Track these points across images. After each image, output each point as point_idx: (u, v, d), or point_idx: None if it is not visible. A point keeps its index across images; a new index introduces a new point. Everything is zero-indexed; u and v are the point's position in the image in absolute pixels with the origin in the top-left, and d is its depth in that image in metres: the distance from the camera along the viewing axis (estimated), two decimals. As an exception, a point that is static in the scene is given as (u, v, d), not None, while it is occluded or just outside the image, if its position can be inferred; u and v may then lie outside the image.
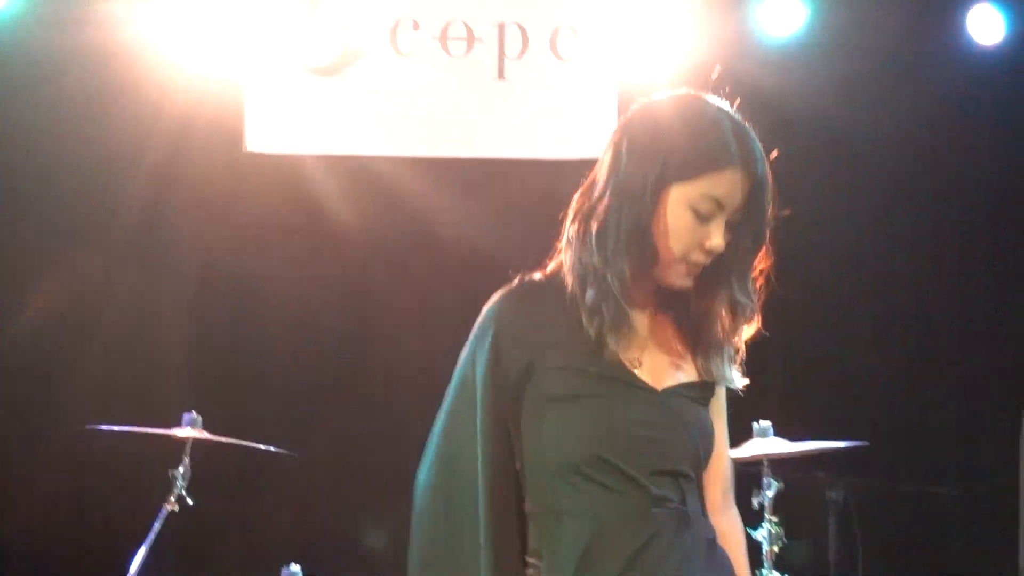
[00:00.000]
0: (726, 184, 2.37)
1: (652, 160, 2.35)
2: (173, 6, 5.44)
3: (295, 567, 4.21)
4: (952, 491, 5.32)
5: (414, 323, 5.54)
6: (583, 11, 5.66)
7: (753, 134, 2.43)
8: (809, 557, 4.95)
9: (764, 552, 4.42)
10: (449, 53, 5.63)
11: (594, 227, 2.37)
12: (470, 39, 5.63)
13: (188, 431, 4.40)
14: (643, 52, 5.66)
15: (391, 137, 5.61)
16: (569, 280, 2.39)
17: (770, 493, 4.45)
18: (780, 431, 4.50)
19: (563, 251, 2.44)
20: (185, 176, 5.50)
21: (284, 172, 5.54)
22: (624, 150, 2.39)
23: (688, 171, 2.35)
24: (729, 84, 5.76)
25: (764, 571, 4.40)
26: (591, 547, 2.32)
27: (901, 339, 5.87)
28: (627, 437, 2.33)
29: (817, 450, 4.50)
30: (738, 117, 2.45)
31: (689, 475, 2.37)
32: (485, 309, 2.45)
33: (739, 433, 4.47)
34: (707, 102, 2.46)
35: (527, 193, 5.61)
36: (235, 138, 5.50)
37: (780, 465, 4.51)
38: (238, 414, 5.17)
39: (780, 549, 4.44)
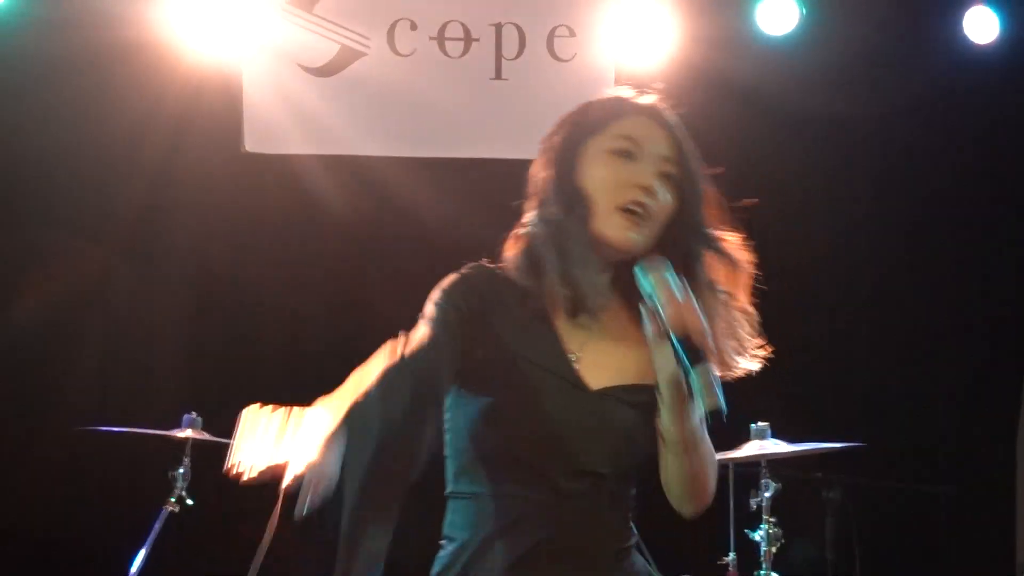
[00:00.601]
0: (637, 126, 2.43)
1: (568, 128, 2.46)
2: (171, 6, 5.45)
3: (297, 570, 4.21)
4: (949, 491, 5.34)
5: (411, 323, 5.54)
6: (580, 12, 5.68)
7: (673, 112, 2.50)
8: (809, 555, 4.97)
9: (762, 553, 4.45)
10: (446, 53, 5.64)
11: (536, 202, 2.49)
12: (467, 39, 5.65)
13: (188, 432, 4.41)
14: (639, 52, 5.69)
15: (388, 137, 5.62)
16: (520, 261, 2.45)
17: (768, 494, 4.48)
18: (778, 432, 4.52)
19: (515, 241, 2.52)
20: (183, 176, 5.50)
21: (282, 172, 5.54)
22: (550, 138, 2.51)
23: (598, 124, 2.43)
24: (724, 82, 5.84)
25: (763, 572, 4.43)
26: (493, 535, 2.33)
27: (898, 340, 5.88)
28: (546, 437, 2.32)
29: (815, 451, 4.53)
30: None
31: (608, 476, 2.34)
32: (434, 291, 2.52)
33: (737, 435, 4.52)
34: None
35: (524, 193, 5.61)
36: (233, 138, 5.51)
37: (778, 466, 4.54)
38: (238, 415, 5.15)
39: (777, 550, 4.46)
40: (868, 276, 5.90)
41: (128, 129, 5.44)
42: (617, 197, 2.36)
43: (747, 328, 2.48)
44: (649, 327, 2.25)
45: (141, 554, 4.25)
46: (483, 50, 5.66)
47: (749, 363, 2.48)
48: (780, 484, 4.49)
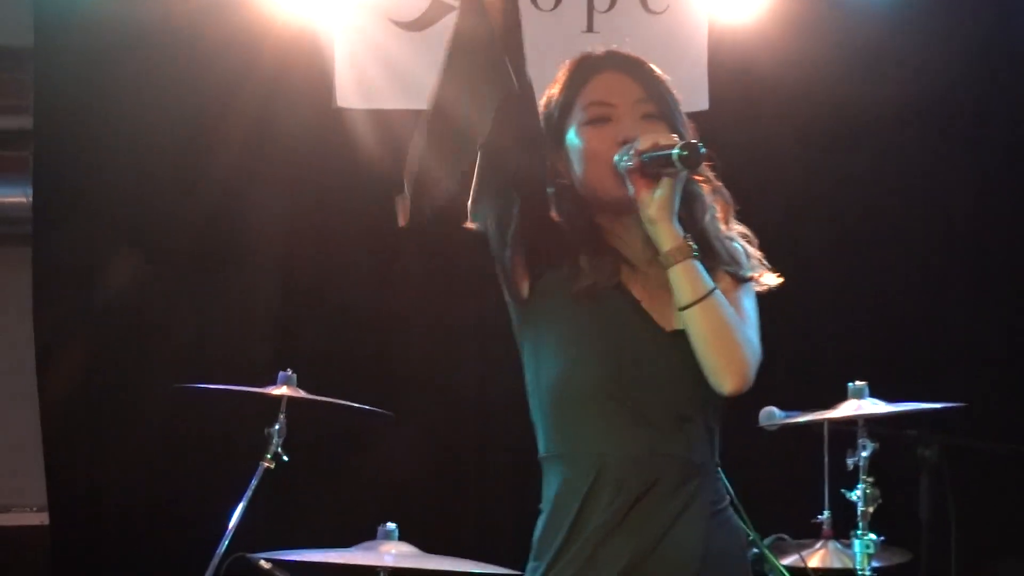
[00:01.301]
0: (602, 85, 2.48)
1: (545, 122, 2.51)
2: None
3: (391, 525, 4.26)
4: (1049, 451, 5.27)
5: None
6: (674, -39, 5.62)
7: (627, 52, 2.57)
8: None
9: (859, 513, 4.42)
10: (538, 7, 5.60)
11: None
12: (560, -9, 5.62)
13: (283, 389, 4.45)
14: (734, 3, 5.61)
15: (480, 91, 5.60)
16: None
17: (865, 454, 4.45)
18: (875, 391, 4.49)
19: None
20: (275, 132, 5.52)
21: (374, 127, 5.55)
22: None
23: (567, 104, 2.49)
24: (823, 35, 5.75)
25: (859, 532, 4.41)
26: (592, 491, 2.35)
27: (998, 297, 5.81)
28: (638, 374, 2.35)
29: (913, 411, 4.48)
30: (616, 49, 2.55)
31: (695, 420, 2.38)
32: None
33: (834, 393, 4.49)
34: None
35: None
36: (325, 94, 5.52)
37: (875, 425, 4.50)
38: (332, 373, 5.21)
39: (875, 510, 4.44)
40: (968, 236, 5.80)
41: (221, 87, 5.47)
42: (607, 160, 2.41)
43: (749, 242, 2.60)
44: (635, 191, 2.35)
45: (239, 509, 4.29)
46: (575, 3, 5.62)
47: (765, 275, 2.57)
48: (877, 444, 4.45)
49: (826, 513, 4.62)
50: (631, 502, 2.33)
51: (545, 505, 2.46)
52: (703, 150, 2.31)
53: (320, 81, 5.51)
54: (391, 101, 5.57)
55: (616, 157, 2.39)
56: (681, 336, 2.37)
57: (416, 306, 5.57)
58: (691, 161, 2.31)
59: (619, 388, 2.35)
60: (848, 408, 4.41)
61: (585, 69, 2.52)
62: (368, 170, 5.48)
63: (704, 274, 2.36)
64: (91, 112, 5.46)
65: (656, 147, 2.33)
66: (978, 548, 5.44)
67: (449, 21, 5.51)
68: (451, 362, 5.54)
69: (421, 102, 5.55)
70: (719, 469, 2.49)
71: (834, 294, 5.69)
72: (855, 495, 4.42)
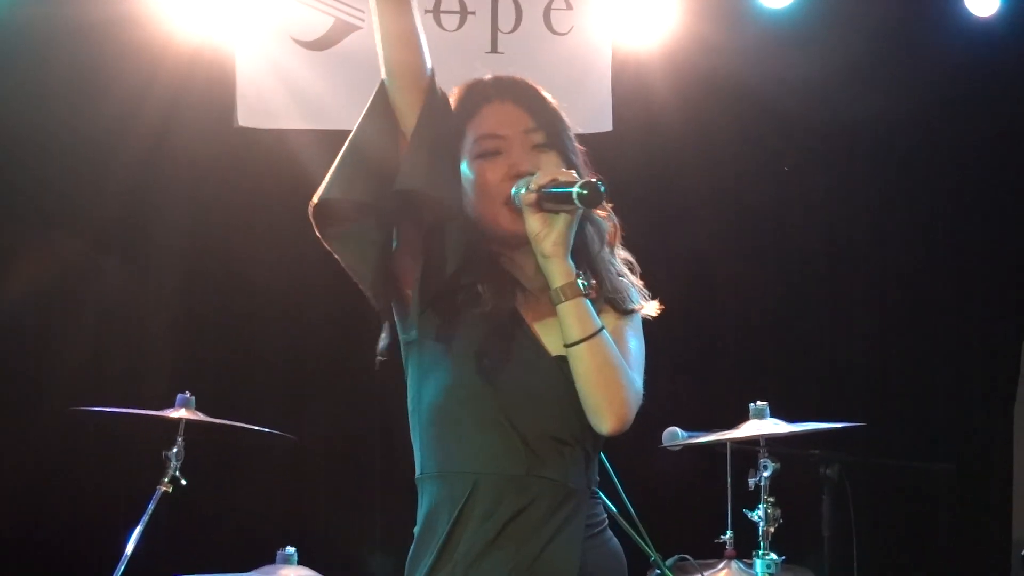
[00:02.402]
0: (490, 117, 2.45)
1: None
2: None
3: (290, 549, 4.20)
4: (946, 468, 5.33)
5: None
6: (576, -16, 5.62)
7: (515, 78, 2.52)
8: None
9: (761, 532, 4.42)
10: (442, 27, 5.57)
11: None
12: (463, 12, 5.58)
13: (181, 412, 4.38)
14: (636, 24, 5.62)
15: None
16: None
17: (766, 473, 4.44)
18: (776, 412, 4.49)
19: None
20: (175, 151, 5.44)
21: (275, 147, 5.50)
22: None
23: (459, 136, 2.44)
24: (721, 55, 5.80)
25: (761, 552, 4.41)
26: (466, 509, 2.33)
27: (896, 321, 5.88)
28: (519, 397, 2.34)
29: (813, 431, 4.49)
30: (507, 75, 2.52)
31: (571, 445, 2.37)
32: None
33: (736, 414, 4.49)
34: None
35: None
36: (226, 113, 5.45)
37: (777, 445, 4.51)
38: (232, 395, 5.17)
39: (776, 529, 4.44)
40: (867, 257, 5.88)
41: (121, 104, 5.37)
42: (499, 194, 2.39)
43: (632, 270, 2.57)
44: (531, 223, 2.32)
45: (136, 534, 4.21)
46: (479, 23, 5.59)
47: (646, 304, 2.57)
48: (778, 463, 4.45)
49: (729, 533, 4.60)
50: (504, 522, 2.32)
51: (418, 526, 2.44)
52: (603, 189, 2.27)
53: (221, 100, 5.43)
54: (294, 121, 5.52)
55: (513, 191, 2.37)
56: (566, 362, 2.36)
57: (318, 328, 5.53)
58: (591, 200, 2.27)
59: (499, 409, 2.33)
60: (750, 428, 4.41)
61: (474, 98, 2.48)
62: (270, 189, 5.44)
63: (592, 313, 2.36)
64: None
65: (555, 183, 2.31)
66: (879, 565, 5.50)
67: (352, 41, 5.56)
68: (354, 386, 5.49)
69: (323, 122, 5.61)
70: (598, 492, 2.48)
71: (736, 316, 5.72)
72: (756, 515, 4.42)
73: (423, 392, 2.41)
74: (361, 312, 5.43)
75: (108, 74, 5.36)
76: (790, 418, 4.48)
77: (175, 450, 4.35)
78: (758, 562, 4.40)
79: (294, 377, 5.50)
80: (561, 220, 2.32)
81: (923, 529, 5.84)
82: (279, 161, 5.46)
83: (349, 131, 5.63)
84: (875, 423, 5.14)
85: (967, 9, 5.76)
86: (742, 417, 4.45)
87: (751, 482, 4.46)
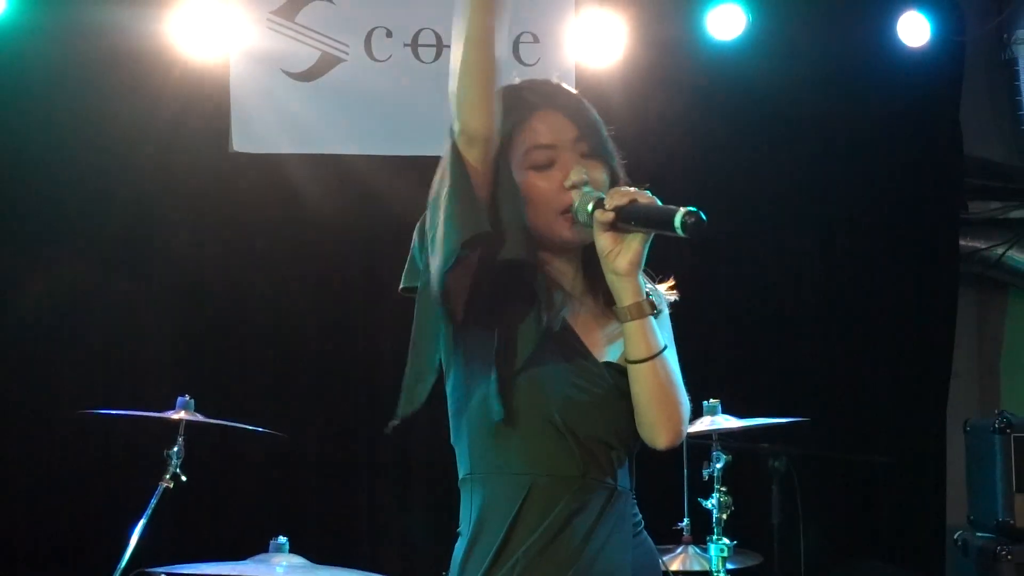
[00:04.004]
0: (543, 128, 2.31)
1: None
2: (163, 17, 5.42)
3: (282, 539, 4.21)
4: (885, 460, 5.37)
5: (390, 307, 5.55)
6: (542, 20, 5.65)
7: (560, 84, 2.41)
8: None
9: (714, 519, 4.46)
10: (420, 59, 5.62)
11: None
12: (439, 46, 5.63)
13: (181, 414, 4.38)
14: (597, 57, 5.68)
15: (366, 137, 5.60)
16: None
17: (719, 465, 4.48)
18: (728, 408, 4.53)
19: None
20: (175, 175, 5.48)
21: (267, 170, 5.53)
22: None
23: (504, 144, 2.26)
24: (676, 83, 5.83)
25: (714, 537, 4.44)
26: (524, 509, 2.22)
27: (837, 324, 5.93)
28: (572, 401, 2.22)
29: (762, 426, 4.54)
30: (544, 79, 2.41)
31: (618, 448, 2.27)
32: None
33: (692, 410, 4.52)
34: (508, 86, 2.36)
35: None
36: (221, 139, 5.48)
37: (728, 439, 4.55)
38: (228, 397, 5.18)
39: (728, 516, 4.48)
40: (810, 263, 5.93)
41: (123, 132, 5.41)
42: (556, 205, 2.28)
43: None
44: (604, 244, 2.21)
45: (139, 526, 4.21)
46: (454, 56, 5.63)
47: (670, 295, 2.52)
48: (730, 456, 4.50)
49: (685, 520, 4.64)
50: (562, 523, 2.22)
51: (466, 527, 2.30)
52: (705, 219, 2.13)
53: (216, 127, 5.47)
54: (284, 146, 5.55)
55: (576, 205, 2.24)
56: (612, 368, 2.28)
57: (307, 336, 5.56)
58: (696, 232, 2.11)
59: (553, 413, 2.22)
60: (703, 424, 4.45)
61: (520, 107, 2.32)
62: (262, 209, 5.48)
63: (658, 331, 2.26)
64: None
65: (636, 205, 2.17)
66: (824, 550, 5.53)
67: (337, 72, 5.59)
68: (343, 388, 5.53)
69: (311, 147, 5.65)
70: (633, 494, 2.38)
71: (691, 320, 5.74)
72: (710, 503, 4.46)
73: (471, 395, 2.28)
74: (349, 319, 5.51)
75: (112, 102, 5.41)
76: (741, 414, 4.52)
77: (176, 449, 4.34)
78: (712, 546, 4.43)
79: (285, 380, 5.52)
80: (637, 240, 2.21)
81: (864, 517, 5.88)
82: (270, 182, 5.50)
83: (337, 155, 5.68)
84: (820, 419, 5.18)
85: (899, 40, 5.83)
86: (696, 414, 4.48)
87: (705, 473, 4.50)
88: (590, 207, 2.23)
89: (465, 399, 2.30)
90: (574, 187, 2.27)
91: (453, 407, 2.35)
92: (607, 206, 2.19)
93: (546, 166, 2.29)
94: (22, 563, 5.25)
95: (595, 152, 2.34)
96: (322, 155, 5.57)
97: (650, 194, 2.23)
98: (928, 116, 6.00)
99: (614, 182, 2.34)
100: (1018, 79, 5.80)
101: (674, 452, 4.66)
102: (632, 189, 2.23)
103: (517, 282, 2.25)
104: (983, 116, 6.18)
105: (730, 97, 5.74)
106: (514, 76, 2.45)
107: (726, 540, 4.43)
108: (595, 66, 5.67)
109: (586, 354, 2.28)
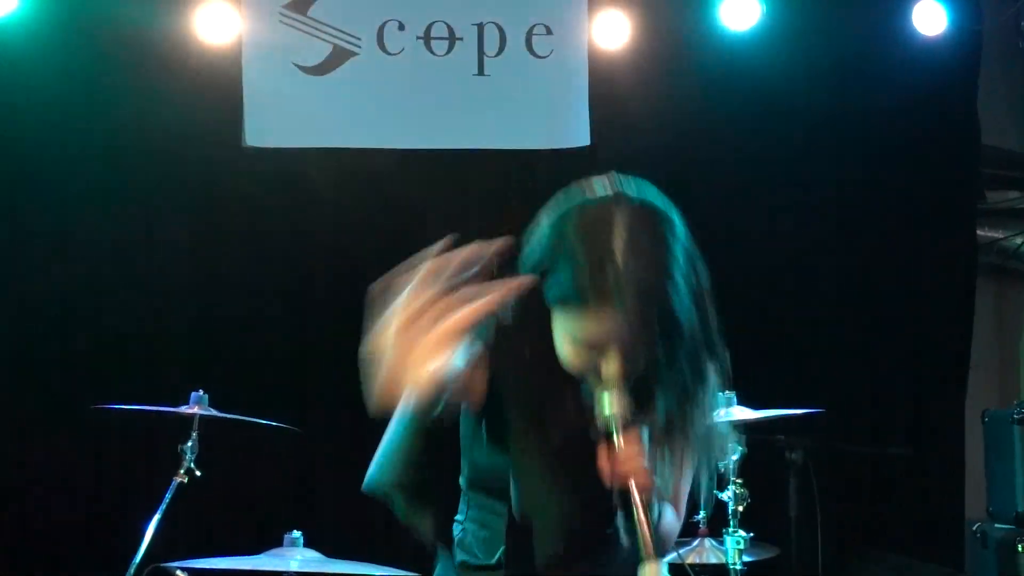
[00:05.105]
0: (596, 324, 2.01)
1: (535, 269, 2.07)
2: (177, 12, 5.40)
3: (296, 533, 4.18)
4: (903, 452, 5.32)
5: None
6: (556, 11, 5.62)
7: (640, 265, 2.00)
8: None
9: (730, 512, 4.40)
10: (432, 52, 5.58)
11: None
12: (452, 38, 5.59)
13: (195, 409, 4.36)
14: (610, 49, 5.63)
15: (379, 131, 5.57)
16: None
17: (735, 457, 4.42)
18: (744, 400, 4.47)
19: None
20: (188, 168, 5.45)
21: (280, 164, 5.51)
22: (530, 246, 2.11)
23: (564, 305, 2.04)
24: (690, 75, 5.79)
25: (730, 530, 4.39)
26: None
27: (855, 314, 5.88)
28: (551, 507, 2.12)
29: (778, 417, 4.48)
30: (631, 262, 1.99)
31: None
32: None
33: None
34: (613, 232, 2.01)
35: (504, 179, 5.62)
36: (234, 133, 5.45)
37: (744, 431, 4.49)
38: (241, 393, 5.15)
39: (744, 509, 4.42)
40: (827, 254, 5.87)
41: (137, 126, 5.40)
42: (581, 371, 2.07)
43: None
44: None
45: (154, 521, 4.19)
46: (466, 48, 5.60)
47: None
48: (746, 448, 4.43)
49: (702, 513, 4.59)
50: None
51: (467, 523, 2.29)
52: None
53: (230, 121, 5.44)
54: (297, 140, 5.53)
55: (602, 403, 2.02)
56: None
57: (320, 331, 5.53)
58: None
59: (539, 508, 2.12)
60: (719, 416, 4.38)
61: (596, 299, 1.99)
62: (275, 202, 5.46)
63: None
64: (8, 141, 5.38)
65: (632, 505, 1.96)
66: (842, 542, 5.49)
67: (349, 66, 5.55)
68: (353, 383, 5.47)
69: (324, 140, 5.61)
70: None
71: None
72: (726, 496, 4.40)
73: (483, 447, 2.19)
74: (359, 315, 5.46)
75: (129, 96, 5.40)
76: (756, 406, 4.46)
77: (190, 444, 4.33)
78: (728, 539, 4.38)
79: (300, 375, 5.51)
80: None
81: (882, 509, 5.83)
82: (284, 176, 5.47)
83: (349, 149, 5.64)
84: (837, 411, 5.14)
85: (915, 29, 5.76)
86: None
87: (720, 466, 4.44)
88: (609, 422, 2.01)
89: (474, 449, 2.24)
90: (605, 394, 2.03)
91: (465, 430, 2.27)
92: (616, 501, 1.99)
93: (588, 348, 2.04)
94: (38, 558, 5.24)
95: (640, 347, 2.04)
96: (334, 149, 5.54)
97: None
98: (945, 106, 5.93)
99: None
100: (1035, 68, 5.75)
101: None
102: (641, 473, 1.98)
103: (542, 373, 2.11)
104: (1000, 106, 6.11)
105: (744, 87, 5.69)
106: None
107: (742, 532, 4.38)
108: (608, 56, 5.61)
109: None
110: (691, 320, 2.05)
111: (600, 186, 2.11)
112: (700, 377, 2.11)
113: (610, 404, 2.02)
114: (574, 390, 2.10)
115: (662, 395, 2.08)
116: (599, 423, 2.03)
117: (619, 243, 1.99)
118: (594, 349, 2.02)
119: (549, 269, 2.04)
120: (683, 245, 2.08)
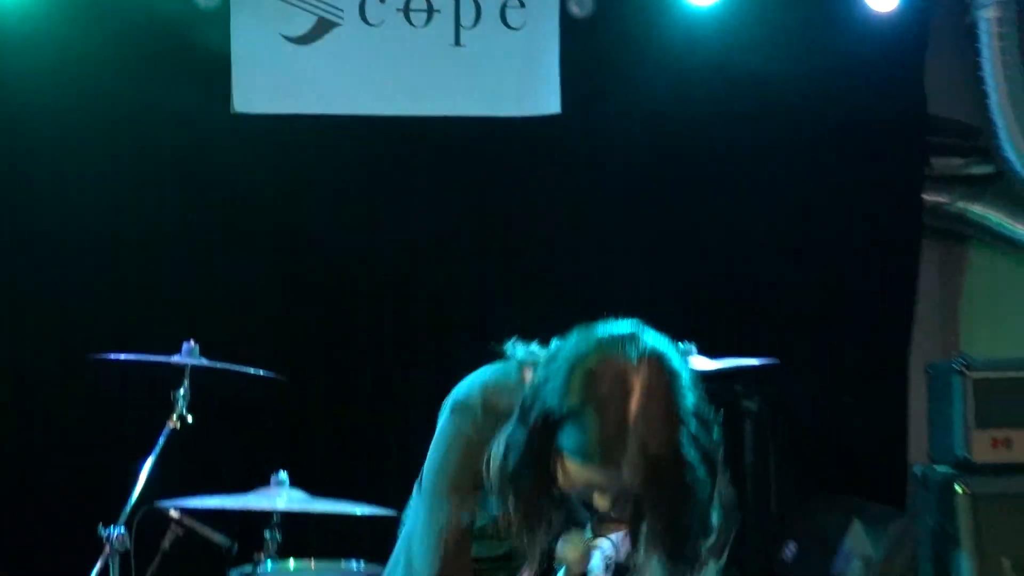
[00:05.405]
0: (604, 479, 2.02)
1: (552, 415, 2.04)
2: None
3: (283, 473, 4.24)
4: (852, 400, 5.40)
5: (385, 253, 5.60)
6: (529, -15, 5.67)
7: (655, 444, 1.99)
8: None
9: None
10: (411, 23, 5.63)
11: (503, 445, 2.11)
12: (430, 10, 5.63)
13: (187, 358, 4.41)
14: (578, 23, 5.67)
15: (361, 98, 5.61)
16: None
17: (694, 405, 4.48)
18: (703, 350, 4.53)
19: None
20: (179, 133, 5.47)
21: (268, 130, 5.54)
22: (548, 384, 2.07)
23: (574, 456, 2.02)
24: (654, 49, 5.85)
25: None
26: None
27: (808, 272, 5.94)
28: None
29: (735, 368, 4.54)
30: (645, 432, 1.99)
31: None
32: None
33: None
34: (632, 401, 2.00)
35: (477, 145, 5.68)
36: (223, 100, 5.49)
37: (703, 380, 4.54)
38: (230, 343, 5.21)
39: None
40: (783, 216, 5.94)
41: (131, 86, 5.42)
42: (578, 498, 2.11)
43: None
44: None
45: (148, 463, 4.24)
46: (444, 20, 5.64)
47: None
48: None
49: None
50: None
51: None
52: None
53: (219, 89, 5.47)
54: (285, 106, 5.56)
55: (565, 545, 2.10)
56: None
57: (309, 282, 5.60)
58: None
59: None
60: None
61: (607, 459, 1.99)
62: (262, 164, 5.50)
63: None
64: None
65: None
66: (794, 483, 5.59)
67: (332, 37, 5.58)
68: (341, 333, 5.57)
69: (309, 107, 5.65)
70: None
71: (666, 265, 5.79)
72: (686, 439, 4.46)
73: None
74: (347, 271, 5.53)
75: (121, 61, 5.43)
76: (715, 356, 4.53)
77: (182, 391, 4.36)
78: (687, 479, 4.44)
79: (285, 324, 5.56)
80: None
81: (832, 454, 5.92)
82: (271, 141, 5.51)
83: (336, 115, 5.64)
84: (790, 362, 5.23)
85: (867, 5, 5.81)
86: (672, 355, 4.49)
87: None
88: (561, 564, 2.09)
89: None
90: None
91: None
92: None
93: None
94: (39, 497, 5.30)
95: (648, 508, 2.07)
96: (318, 115, 5.58)
97: None
98: (894, 78, 5.99)
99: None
100: (979, 43, 5.78)
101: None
102: None
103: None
104: (947, 78, 6.17)
105: (704, 59, 5.74)
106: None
107: (700, 474, 4.44)
108: (576, 33, 5.65)
109: None
110: (700, 488, 2.05)
111: (621, 336, 2.09)
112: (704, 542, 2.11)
113: (571, 549, 2.09)
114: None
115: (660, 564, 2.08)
116: (555, 562, 2.09)
117: (635, 409, 1.98)
118: (590, 488, 2.05)
119: (566, 419, 2.02)
120: (696, 409, 2.11)
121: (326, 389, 5.53)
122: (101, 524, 3.88)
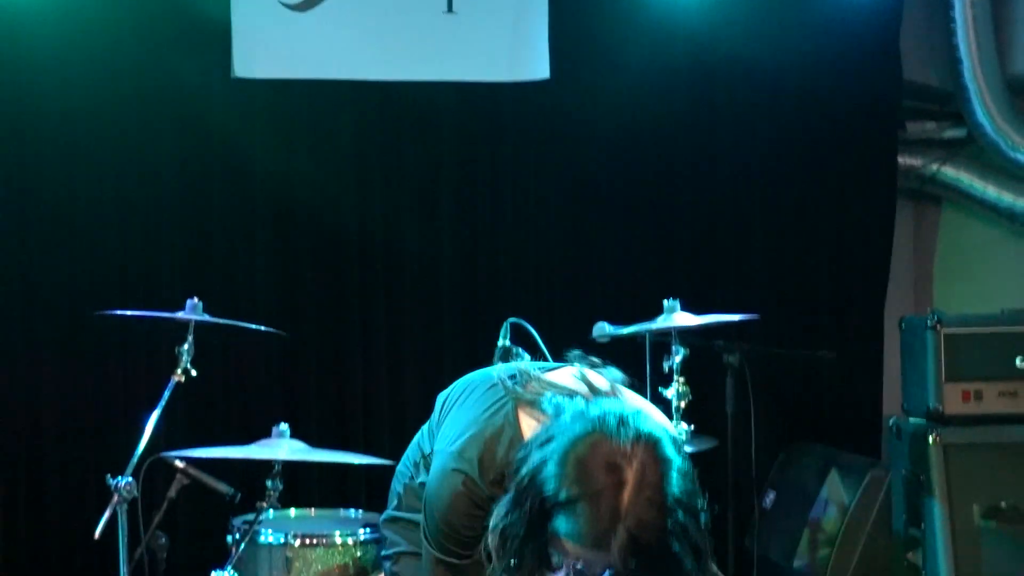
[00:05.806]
0: (595, 558, 2.01)
1: (547, 502, 2.01)
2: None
3: (284, 425, 4.21)
4: (828, 354, 5.37)
5: (381, 209, 5.54)
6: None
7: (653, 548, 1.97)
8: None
9: (674, 407, 4.46)
10: (410, -13, 5.55)
11: (496, 521, 2.10)
12: (429, -26, 5.55)
13: (191, 314, 4.36)
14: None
15: (358, 64, 5.54)
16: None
17: (678, 358, 4.47)
18: (686, 306, 4.52)
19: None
20: (179, 97, 5.38)
21: (267, 94, 5.46)
22: (543, 470, 2.03)
23: (568, 538, 2.01)
24: (640, 14, 5.76)
25: (674, 423, 4.45)
26: None
27: (787, 232, 5.94)
28: None
29: (717, 323, 4.53)
30: (644, 532, 1.96)
31: None
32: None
33: (652, 309, 4.51)
34: (625, 493, 1.97)
35: (471, 108, 5.61)
36: (224, 66, 5.40)
37: (687, 335, 4.53)
38: (233, 299, 5.19)
39: (686, 405, 4.48)
40: (764, 176, 5.92)
41: (133, 52, 5.34)
42: None
43: None
44: None
45: (154, 416, 4.20)
46: (437, -13, 5.58)
47: None
48: (687, 350, 4.48)
49: (648, 407, 4.62)
50: None
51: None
52: None
53: (219, 54, 5.38)
54: (283, 71, 5.49)
55: None
56: None
57: (308, 240, 5.54)
58: None
59: None
60: (663, 320, 4.44)
61: (600, 546, 1.98)
62: (262, 128, 5.43)
63: None
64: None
65: None
66: (773, 434, 5.59)
67: (330, 3, 5.50)
68: (337, 282, 5.52)
69: (307, 72, 5.57)
70: None
71: (655, 226, 5.76)
72: (670, 392, 4.45)
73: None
74: (343, 232, 5.48)
75: (123, 31, 5.33)
76: (697, 312, 4.51)
77: (186, 346, 4.30)
78: (671, 431, 4.42)
79: (285, 285, 5.51)
80: None
81: (809, 406, 5.92)
82: (270, 106, 5.43)
83: (335, 80, 5.58)
84: (770, 318, 5.21)
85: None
86: (657, 311, 4.48)
87: (665, 365, 4.49)
88: None
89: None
90: None
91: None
92: None
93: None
94: (48, 446, 5.27)
95: None
96: (316, 80, 5.51)
97: None
98: (871, 44, 5.95)
99: None
100: (953, 10, 5.72)
101: (637, 346, 4.68)
102: None
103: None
104: (921, 44, 6.12)
105: (688, 26, 5.70)
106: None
107: (684, 425, 4.44)
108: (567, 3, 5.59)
109: None
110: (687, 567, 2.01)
111: (616, 418, 2.03)
112: None
113: None
114: None
115: None
116: None
117: (627, 501, 1.96)
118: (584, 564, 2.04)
119: (561, 507, 1.99)
120: (686, 498, 2.02)
121: (324, 344, 5.49)
122: (109, 474, 3.83)
